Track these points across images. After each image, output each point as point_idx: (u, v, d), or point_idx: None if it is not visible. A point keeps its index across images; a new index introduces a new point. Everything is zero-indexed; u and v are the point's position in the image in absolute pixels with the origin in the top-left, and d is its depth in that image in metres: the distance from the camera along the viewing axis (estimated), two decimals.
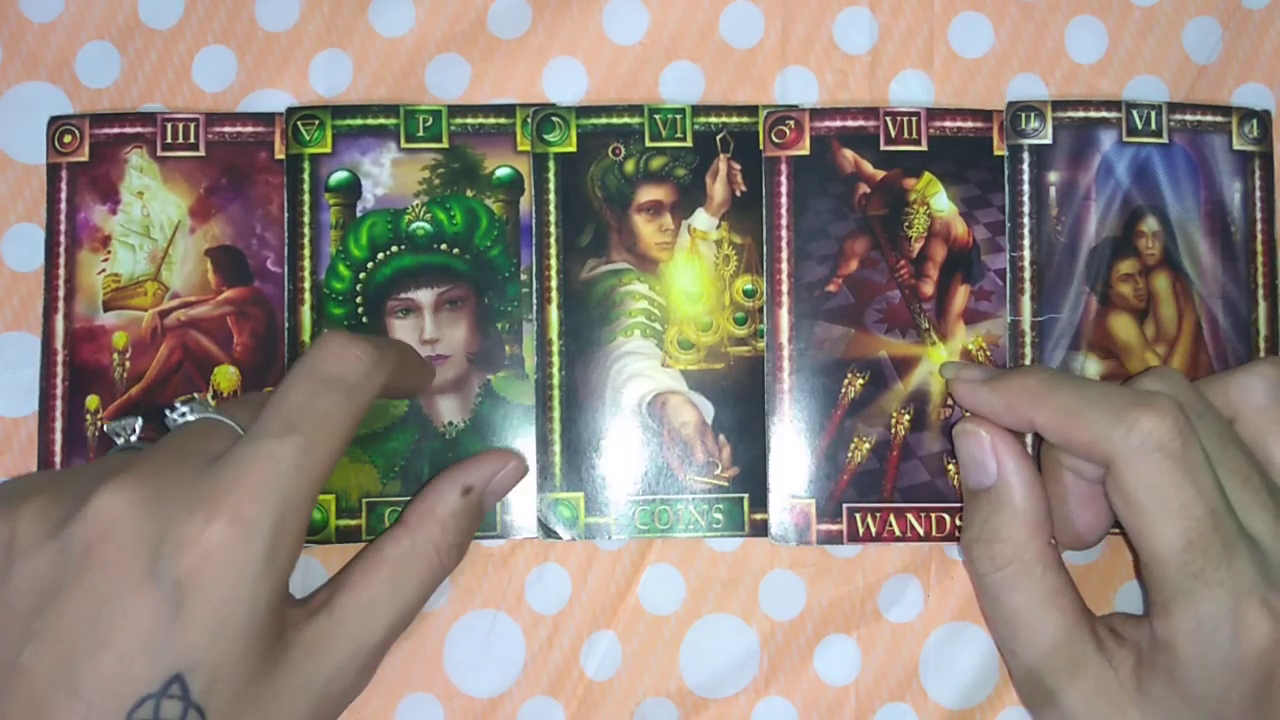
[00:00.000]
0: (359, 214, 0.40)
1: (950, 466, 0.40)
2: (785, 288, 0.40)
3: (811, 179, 0.40)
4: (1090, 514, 0.36)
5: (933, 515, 0.39)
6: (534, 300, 0.40)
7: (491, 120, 0.40)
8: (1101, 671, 0.34)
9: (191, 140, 0.40)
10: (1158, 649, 0.33)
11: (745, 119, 0.41)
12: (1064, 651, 0.34)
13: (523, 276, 0.40)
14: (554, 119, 0.40)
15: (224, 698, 0.30)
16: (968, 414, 0.38)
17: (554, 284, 0.40)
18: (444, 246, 0.40)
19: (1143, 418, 0.32)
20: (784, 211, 0.40)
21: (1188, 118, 0.41)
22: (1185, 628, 0.32)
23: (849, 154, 0.41)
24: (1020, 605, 0.35)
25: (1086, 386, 0.34)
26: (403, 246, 0.40)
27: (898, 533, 0.40)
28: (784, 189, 0.40)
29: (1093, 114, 0.41)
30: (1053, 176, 0.40)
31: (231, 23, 0.41)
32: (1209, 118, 0.41)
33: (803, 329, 0.40)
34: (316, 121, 0.40)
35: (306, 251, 0.40)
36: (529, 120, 0.40)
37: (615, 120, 0.41)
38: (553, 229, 0.40)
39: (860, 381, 0.40)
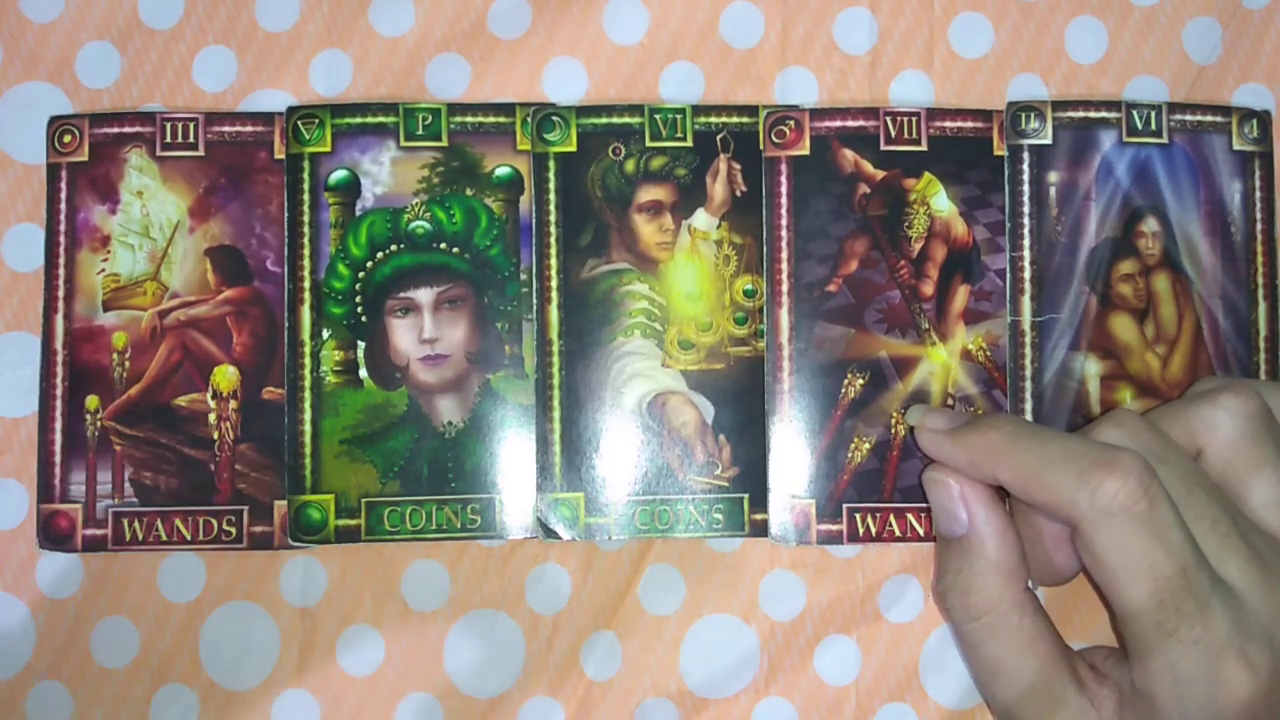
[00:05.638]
0: (358, 213, 0.40)
1: None
2: (785, 288, 0.40)
3: (811, 179, 0.40)
4: (1065, 553, 0.35)
5: None
6: (534, 300, 0.40)
7: (491, 119, 0.40)
8: (1083, 712, 0.33)
9: (191, 140, 0.40)
10: (1138, 696, 0.33)
11: (745, 119, 0.41)
12: (1043, 695, 0.34)
13: (522, 276, 0.40)
14: (554, 119, 0.40)
15: None
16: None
17: (554, 284, 0.40)
18: (443, 245, 0.40)
19: (1106, 481, 0.31)
20: (784, 211, 0.40)
21: (1188, 118, 0.41)
22: (1163, 682, 0.32)
23: (849, 154, 0.41)
24: (997, 653, 0.34)
25: (1048, 443, 0.33)
26: (402, 245, 0.40)
27: (898, 533, 0.40)
28: (784, 189, 0.40)
29: (1093, 114, 0.41)
30: (1053, 176, 0.40)
31: (231, 23, 0.41)
32: (1209, 118, 0.41)
33: (803, 329, 0.40)
34: (316, 120, 0.40)
35: (306, 251, 0.40)
36: (529, 120, 0.40)
37: (615, 120, 0.41)
38: (553, 229, 0.40)
39: (860, 381, 0.40)
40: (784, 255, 0.40)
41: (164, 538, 0.39)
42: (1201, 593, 0.31)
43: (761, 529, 0.39)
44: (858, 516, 0.40)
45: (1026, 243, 0.40)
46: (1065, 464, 0.32)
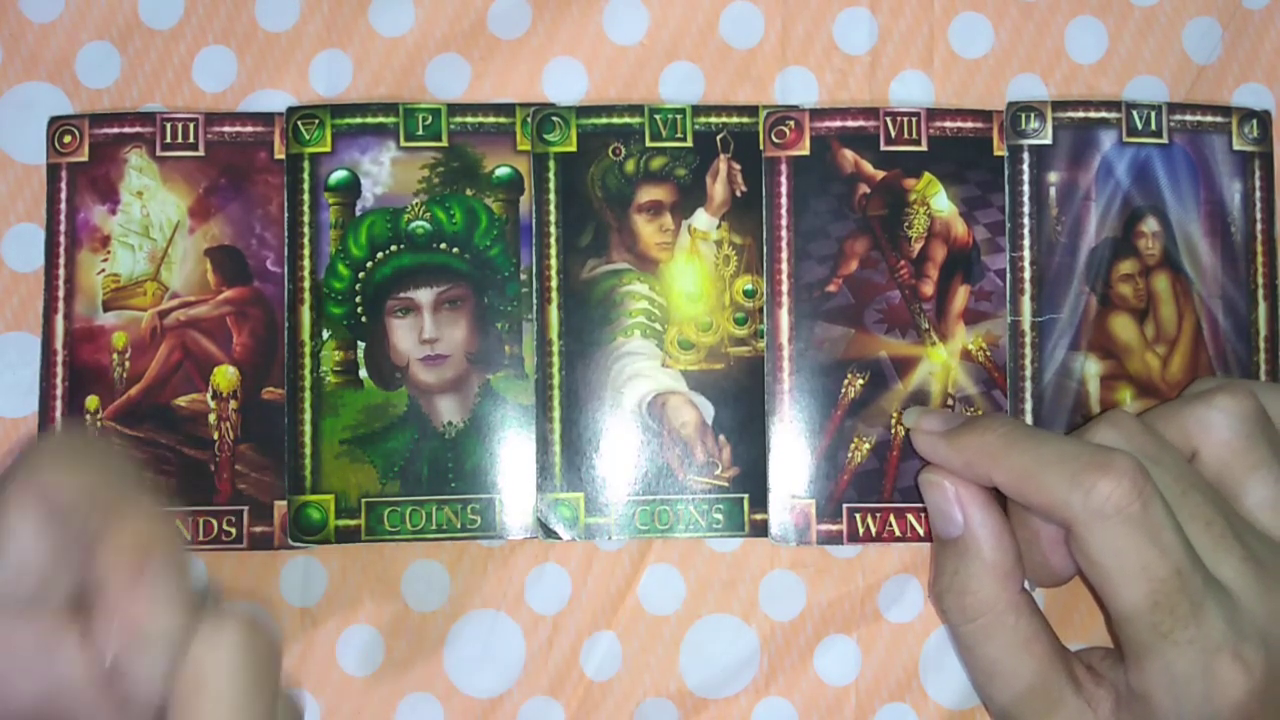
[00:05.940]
0: (358, 213, 0.40)
1: None
2: (785, 288, 0.40)
3: (811, 179, 0.40)
4: (1062, 554, 0.35)
5: None
6: (534, 300, 0.40)
7: (491, 119, 0.40)
8: (1080, 713, 0.33)
9: (191, 140, 0.40)
10: (1134, 697, 0.33)
11: (745, 119, 0.41)
12: (1040, 696, 0.34)
13: (522, 276, 0.40)
14: (554, 119, 0.40)
15: None
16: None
17: (554, 284, 0.40)
18: (443, 246, 0.40)
19: (1100, 482, 0.31)
20: (784, 212, 0.40)
21: (1188, 118, 0.41)
22: (1158, 683, 0.32)
23: (849, 154, 0.41)
24: (994, 655, 0.34)
25: (1043, 445, 0.33)
26: (402, 246, 0.40)
27: (898, 533, 0.40)
28: (784, 189, 0.40)
29: (1093, 114, 0.41)
30: (1053, 177, 0.40)
31: (231, 23, 0.41)
32: (1209, 118, 0.41)
33: (803, 329, 0.40)
34: (316, 121, 0.40)
35: (306, 251, 0.40)
36: (529, 120, 0.40)
37: (615, 120, 0.41)
38: (553, 229, 0.40)
39: (860, 382, 0.40)
40: (784, 255, 0.40)
41: None
42: (1196, 594, 0.31)
43: (761, 529, 0.39)
44: (858, 516, 0.40)
45: (1026, 243, 0.40)
46: (1059, 466, 0.32)
